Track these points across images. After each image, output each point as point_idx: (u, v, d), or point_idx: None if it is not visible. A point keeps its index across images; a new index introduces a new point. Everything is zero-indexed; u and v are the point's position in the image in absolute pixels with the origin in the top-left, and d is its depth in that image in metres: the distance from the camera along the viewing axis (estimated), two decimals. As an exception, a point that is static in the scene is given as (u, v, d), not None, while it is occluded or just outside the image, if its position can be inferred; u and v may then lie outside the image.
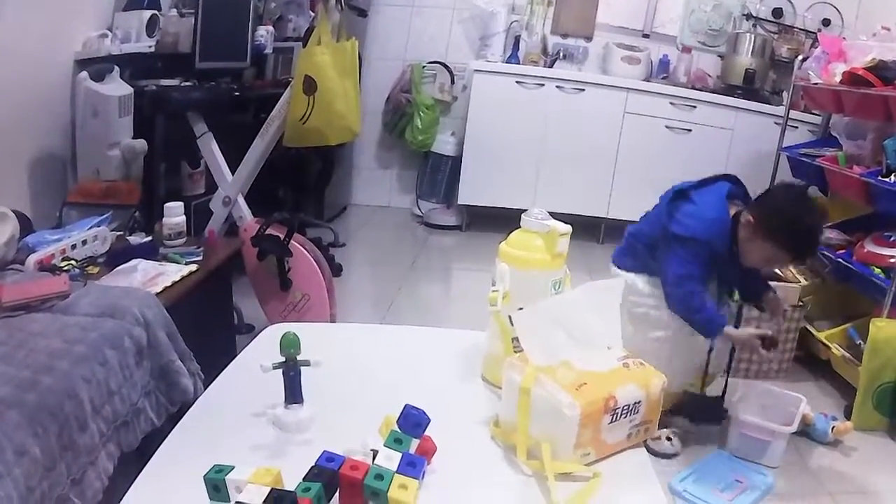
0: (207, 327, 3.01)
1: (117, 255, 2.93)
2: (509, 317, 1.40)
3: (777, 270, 3.46)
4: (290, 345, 1.35)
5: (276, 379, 1.40)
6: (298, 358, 1.37)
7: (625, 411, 1.27)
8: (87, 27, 3.93)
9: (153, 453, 2.22)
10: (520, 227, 1.54)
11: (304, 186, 5.58)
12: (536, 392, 1.25)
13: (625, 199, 6.06)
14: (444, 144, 6.58)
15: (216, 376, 2.29)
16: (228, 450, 1.33)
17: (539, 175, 6.08)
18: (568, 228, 1.46)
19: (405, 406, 1.19)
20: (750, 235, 2.82)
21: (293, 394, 1.38)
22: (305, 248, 3.43)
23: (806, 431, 3.18)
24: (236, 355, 3.33)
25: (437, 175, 6.65)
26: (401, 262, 5.49)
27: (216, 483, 1.16)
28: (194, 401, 2.39)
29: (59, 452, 1.85)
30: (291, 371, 1.37)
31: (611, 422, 1.26)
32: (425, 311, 4.74)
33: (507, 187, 6.00)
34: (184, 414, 2.36)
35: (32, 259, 2.71)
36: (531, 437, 1.27)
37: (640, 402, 1.29)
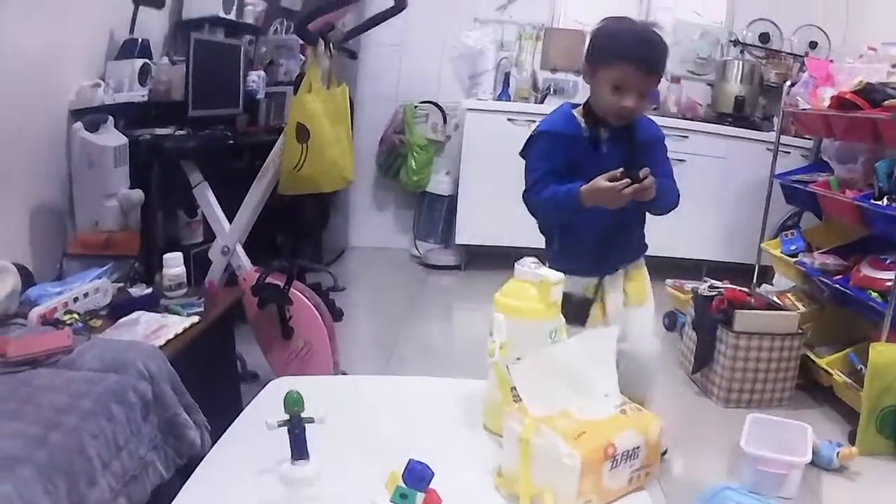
0: (212, 377, 3.04)
1: (119, 308, 2.94)
2: (507, 367, 1.42)
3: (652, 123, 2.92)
4: (293, 403, 1.37)
5: (281, 433, 1.41)
6: (303, 415, 1.39)
7: (624, 457, 1.29)
8: (80, 76, 3.94)
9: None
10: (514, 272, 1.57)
11: (301, 231, 5.59)
12: (536, 442, 1.27)
13: (620, 231, 6.08)
14: (439, 184, 6.62)
15: (223, 427, 2.30)
16: (237, 507, 1.35)
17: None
18: (560, 277, 1.48)
19: (409, 461, 1.21)
20: (590, 77, 2.68)
21: (299, 450, 1.40)
22: (305, 296, 3.45)
23: (811, 458, 3.18)
24: (241, 404, 3.36)
25: (434, 215, 6.68)
26: (401, 304, 5.51)
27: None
28: (202, 453, 2.42)
29: (71, 509, 1.86)
30: (296, 429, 1.39)
31: (611, 468, 1.28)
32: (428, 353, 4.74)
33: (505, 225, 5.86)
34: (192, 465, 2.38)
35: (35, 313, 2.72)
36: (534, 486, 1.29)
37: (639, 447, 1.31)
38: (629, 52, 2.53)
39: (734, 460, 3.26)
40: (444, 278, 6.38)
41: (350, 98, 3.66)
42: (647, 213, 2.91)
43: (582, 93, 6.54)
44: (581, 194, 2.57)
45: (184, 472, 2.44)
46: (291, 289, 3.37)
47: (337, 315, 4.52)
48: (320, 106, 3.36)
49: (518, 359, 1.43)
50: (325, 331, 3.47)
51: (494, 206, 6.04)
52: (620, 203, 2.54)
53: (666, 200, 2.73)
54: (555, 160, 2.73)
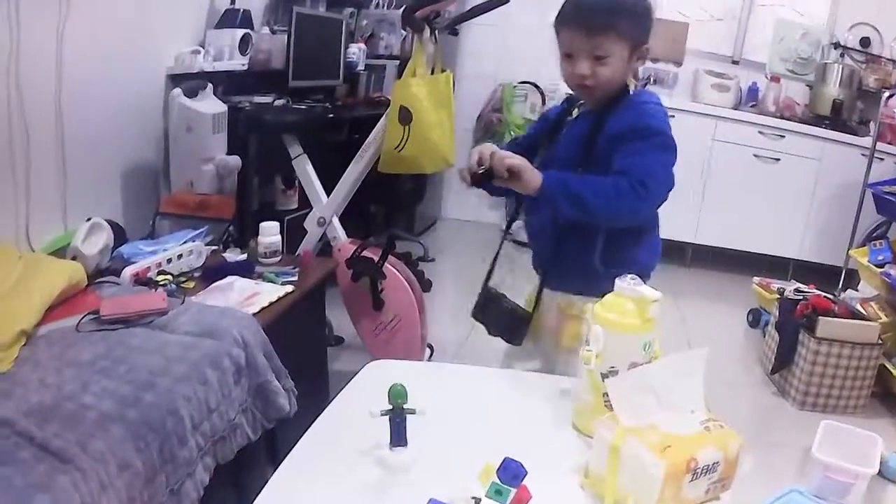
0: (300, 343, 3.11)
1: (213, 271, 3.02)
2: (602, 375, 1.50)
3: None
4: (397, 395, 1.44)
5: (378, 417, 1.48)
6: (405, 406, 1.46)
7: (704, 470, 1.35)
8: (179, 43, 4.06)
9: (246, 462, 2.33)
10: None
11: (395, 203, 5.64)
12: (625, 450, 1.34)
13: (712, 224, 6.18)
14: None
15: (308, 390, 2.37)
16: (334, 488, 1.43)
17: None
18: (658, 295, 1.53)
19: (504, 459, 1.27)
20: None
21: (398, 437, 1.48)
22: (398, 270, 3.52)
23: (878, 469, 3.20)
24: (327, 368, 3.43)
25: (527, 193, 6.71)
26: (489, 280, 5.55)
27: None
28: (289, 417, 2.52)
29: (160, 465, 1.95)
30: (398, 418, 1.47)
31: (691, 480, 1.34)
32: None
33: None
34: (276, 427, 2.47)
35: (128, 272, 2.79)
36: (619, 490, 1.36)
37: (718, 462, 1.37)
38: (567, 13, 2.19)
39: (804, 463, 3.29)
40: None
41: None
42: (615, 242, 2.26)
43: (681, 84, 6.58)
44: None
45: (267, 431, 2.55)
46: (385, 263, 3.43)
47: (426, 286, 4.56)
48: (424, 90, 3.41)
49: (612, 367, 1.50)
50: (416, 305, 3.53)
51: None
52: (463, 177, 2.18)
53: (575, 201, 2.09)
54: (530, 134, 2.56)
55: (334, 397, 1.78)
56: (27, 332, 2.29)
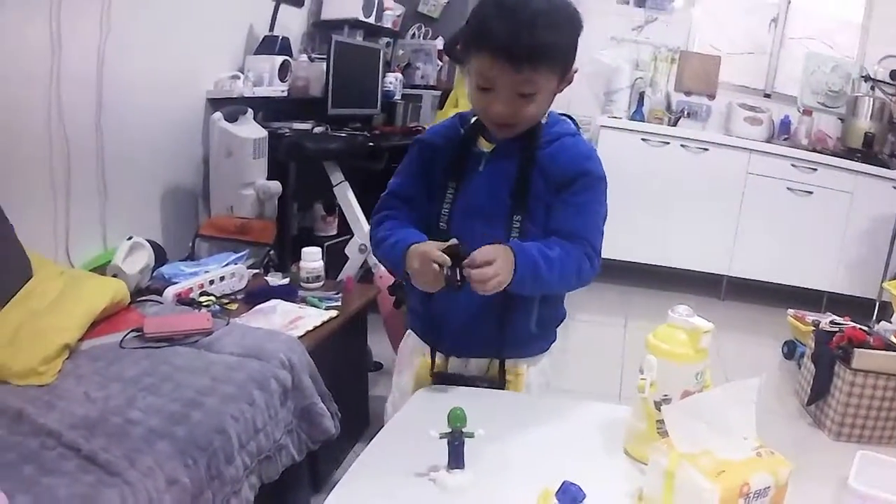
0: (342, 368, 3.16)
1: (256, 294, 3.08)
2: (655, 403, 1.54)
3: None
4: (457, 419, 1.47)
5: (433, 441, 1.50)
6: (464, 430, 1.49)
7: (756, 495, 1.38)
8: (219, 68, 4.16)
9: (290, 482, 2.35)
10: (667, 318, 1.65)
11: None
12: (680, 476, 1.37)
13: (747, 257, 6.19)
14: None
15: (351, 413, 2.38)
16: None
17: (664, 231, 6.16)
18: (710, 326, 1.55)
19: (563, 482, 1.31)
20: (467, 74, 1.88)
21: (455, 460, 1.50)
22: (438, 297, 3.51)
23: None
24: (368, 393, 3.46)
25: (563, 225, 6.72)
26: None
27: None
28: (333, 439, 2.56)
29: (207, 482, 2.00)
30: (456, 441, 1.49)
31: (744, 504, 1.38)
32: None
33: (632, 241, 5.95)
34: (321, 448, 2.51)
35: (171, 291, 2.87)
36: (674, 515, 1.40)
37: (769, 486, 1.40)
38: (487, 33, 1.73)
39: (841, 493, 3.30)
40: (570, 288, 6.40)
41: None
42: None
43: (714, 117, 6.61)
44: (408, 255, 1.83)
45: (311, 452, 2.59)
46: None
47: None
48: (465, 120, 3.44)
49: (665, 396, 1.53)
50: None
51: (622, 222, 6.03)
52: (430, 289, 1.81)
53: (543, 286, 1.86)
54: (413, 176, 2.07)
55: (374, 422, 1.81)
56: (70, 346, 2.36)
